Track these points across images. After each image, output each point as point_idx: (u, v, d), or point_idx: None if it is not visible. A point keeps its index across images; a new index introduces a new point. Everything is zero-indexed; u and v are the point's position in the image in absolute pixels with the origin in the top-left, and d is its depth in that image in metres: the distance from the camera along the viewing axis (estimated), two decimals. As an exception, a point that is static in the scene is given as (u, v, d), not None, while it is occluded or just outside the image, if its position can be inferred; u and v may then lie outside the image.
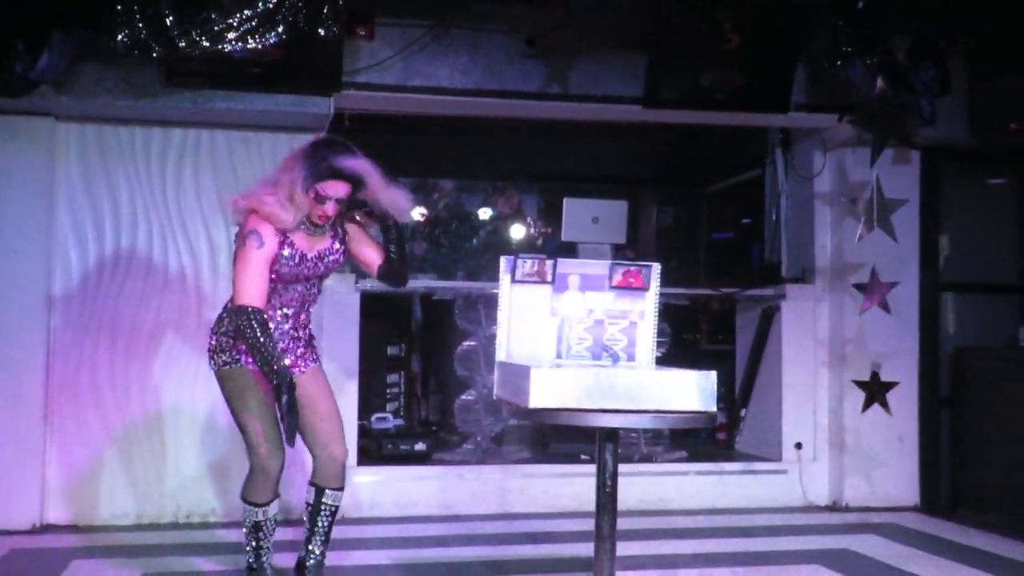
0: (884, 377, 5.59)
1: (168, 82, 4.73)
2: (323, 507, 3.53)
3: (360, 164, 3.27)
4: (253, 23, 4.37)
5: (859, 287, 5.44)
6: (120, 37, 4.23)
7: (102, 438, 4.91)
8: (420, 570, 4.14)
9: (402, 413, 6.23)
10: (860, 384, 5.59)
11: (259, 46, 4.41)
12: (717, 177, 7.87)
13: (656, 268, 3.03)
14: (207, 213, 5.08)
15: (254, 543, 3.45)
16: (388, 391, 6.18)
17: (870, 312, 5.51)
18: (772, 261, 6.23)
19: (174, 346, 5.01)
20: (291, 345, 3.46)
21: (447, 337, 5.89)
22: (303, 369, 3.48)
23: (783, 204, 6.15)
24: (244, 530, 3.49)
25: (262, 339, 3.17)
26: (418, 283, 5.77)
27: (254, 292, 3.23)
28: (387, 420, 5.84)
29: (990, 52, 5.49)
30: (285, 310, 3.42)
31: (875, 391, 5.57)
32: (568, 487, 5.34)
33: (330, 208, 3.27)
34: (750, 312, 6.21)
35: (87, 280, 4.94)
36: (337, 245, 3.42)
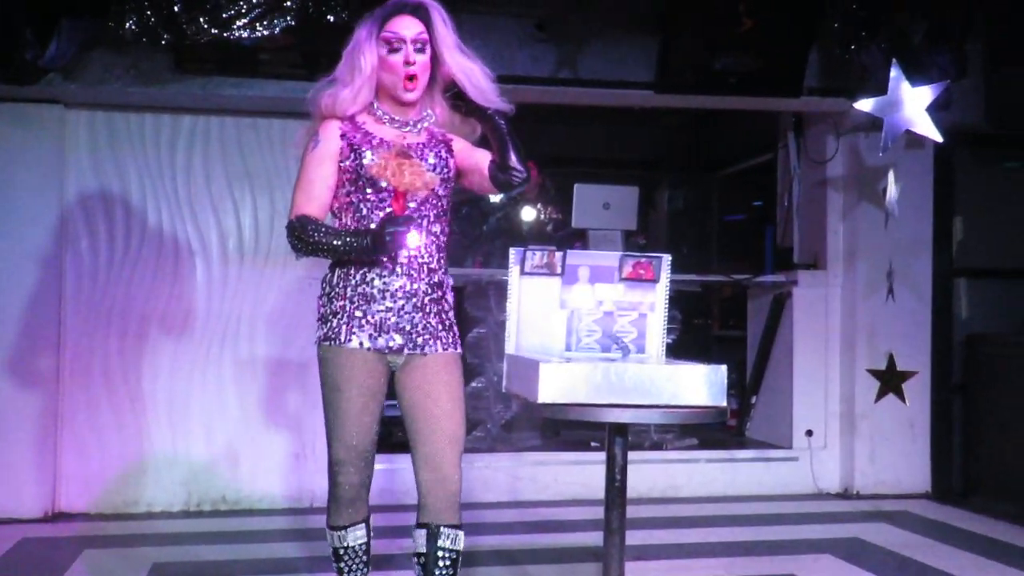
0: (896, 363, 5.56)
1: (177, 69, 4.73)
2: (440, 555, 2.63)
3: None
4: (262, 9, 4.34)
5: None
6: (128, 24, 4.21)
7: (113, 426, 4.92)
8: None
9: (412, 400, 6.22)
10: (874, 373, 5.56)
11: (268, 32, 4.38)
12: (729, 161, 7.83)
13: (667, 260, 3.00)
14: (217, 200, 5.07)
15: (336, 574, 2.78)
16: (398, 378, 6.17)
17: (883, 298, 5.48)
18: (784, 246, 6.19)
19: (184, 333, 5.01)
20: (414, 304, 2.65)
21: (457, 324, 5.87)
22: (432, 349, 2.67)
23: (795, 189, 6.11)
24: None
25: (315, 237, 2.54)
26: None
27: (302, 199, 2.60)
28: (396, 408, 5.82)
29: (1006, 36, 5.42)
30: None
31: (890, 380, 5.54)
32: (578, 474, 5.34)
33: (409, 57, 2.58)
34: (762, 298, 6.18)
35: (97, 267, 4.94)
36: (443, 152, 2.69)
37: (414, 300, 2.64)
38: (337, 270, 2.65)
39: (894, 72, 4.84)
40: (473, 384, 5.68)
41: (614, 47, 5.19)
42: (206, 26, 4.24)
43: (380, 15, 2.62)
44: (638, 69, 5.22)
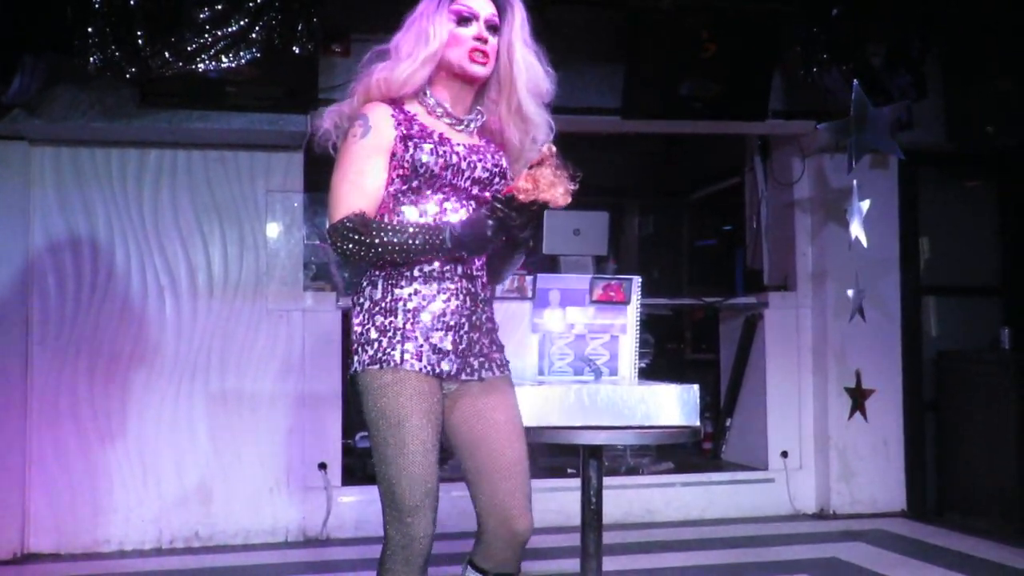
0: (868, 382, 5.60)
1: (143, 103, 4.69)
2: None
3: None
4: (227, 42, 4.32)
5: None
6: (92, 59, 4.18)
7: (82, 464, 4.85)
8: (407, 590, 4.09)
9: (387, 430, 6.17)
10: (847, 390, 5.59)
11: (233, 65, 4.36)
12: (698, 185, 7.89)
13: (637, 281, 3.02)
14: (185, 234, 5.04)
15: None
16: (372, 409, 6.13)
17: (853, 318, 5.52)
18: (754, 269, 6.23)
19: (153, 368, 4.95)
20: (471, 322, 2.31)
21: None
22: (485, 373, 2.34)
23: (763, 211, 6.16)
24: None
25: (384, 237, 2.16)
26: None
27: (354, 195, 2.19)
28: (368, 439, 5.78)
29: (964, 57, 5.52)
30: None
31: (860, 397, 5.58)
32: (555, 501, 5.31)
33: (481, 33, 2.30)
34: (733, 320, 6.21)
35: (65, 304, 4.89)
36: (502, 161, 2.37)
37: (473, 319, 2.31)
38: (381, 283, 2.27)
39: (856, 94, 4.90)
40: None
41: (580, 75, 5.22)
42: (171, 59, 4.22)
43: None
44: (604, 96, 5.25)
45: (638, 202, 8.49)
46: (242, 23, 4.31)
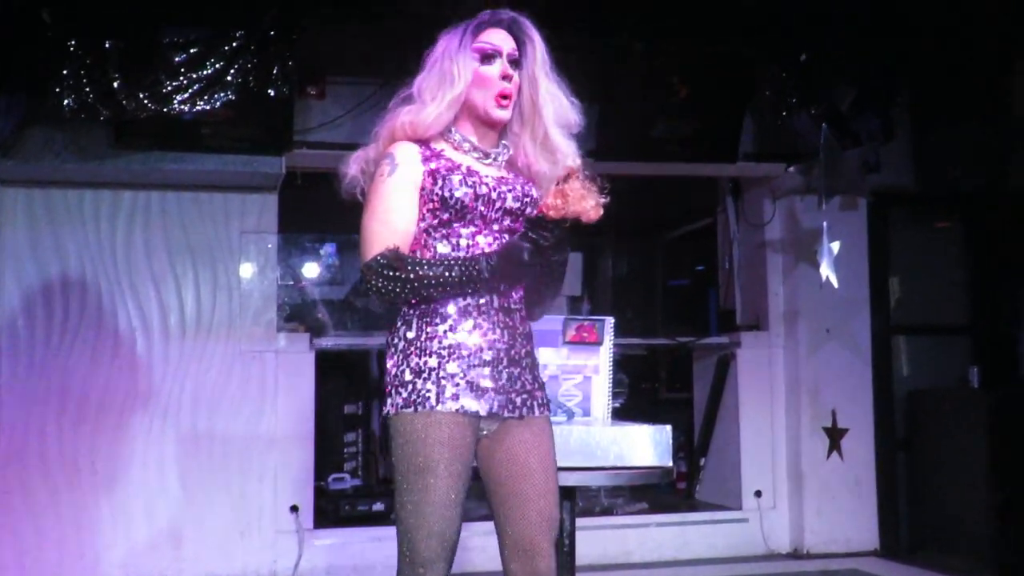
0: (840, 421, 5.63)
1: (117, 144, 4.68)
2: None
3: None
4: (202, 84, 4.35)
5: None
6: (67, 101, 4.19)
7: (50, 509, 4.78)
8: (380, 634, 4.05)
9: (360, 473, 6.14)
10: (824, 430, 5.62)
11: (208, 107, 4.39)
12: (671, 226, 7.95)
13: (609, 322, 3.04)
14: (158, 275, 5.01)
15: None
16: (345, 450, 6.10)
17: (824, 357, 5.57)
18: (727, 309, 6.27)
19: (124, 409, 4.90)
20: (510, 357, 2.26)
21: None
22: (529, 412, 2.29)
23: (735, 252, 6.22)
24: None
25: (419, 272, 2.15)
26: (373, 340, 5.71)
27: (385, 232, 2.18)
28: (344, 480, 5.74)
29: (931, 101, 5.63)
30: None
31: (834, 436, 5.61)
32: (530, 543, 5.28)
33: (506, 71, 2.30)
34: (707, 360, 6.23)
35: (35, 345, 4.84)
36: (532, 191, 2.34)
37: (512, 353, 2.26)
38: (415, 322, 2.22)
39: (825, 137, 4.99)
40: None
41: (554, 116, 5.26)
42: (146, 101, 4.24)
43: (472, 26, 2.33)
44: (577, 137, 5.28)
45: (611, 242, 8.53)
46: (217, 66, 4.34)
